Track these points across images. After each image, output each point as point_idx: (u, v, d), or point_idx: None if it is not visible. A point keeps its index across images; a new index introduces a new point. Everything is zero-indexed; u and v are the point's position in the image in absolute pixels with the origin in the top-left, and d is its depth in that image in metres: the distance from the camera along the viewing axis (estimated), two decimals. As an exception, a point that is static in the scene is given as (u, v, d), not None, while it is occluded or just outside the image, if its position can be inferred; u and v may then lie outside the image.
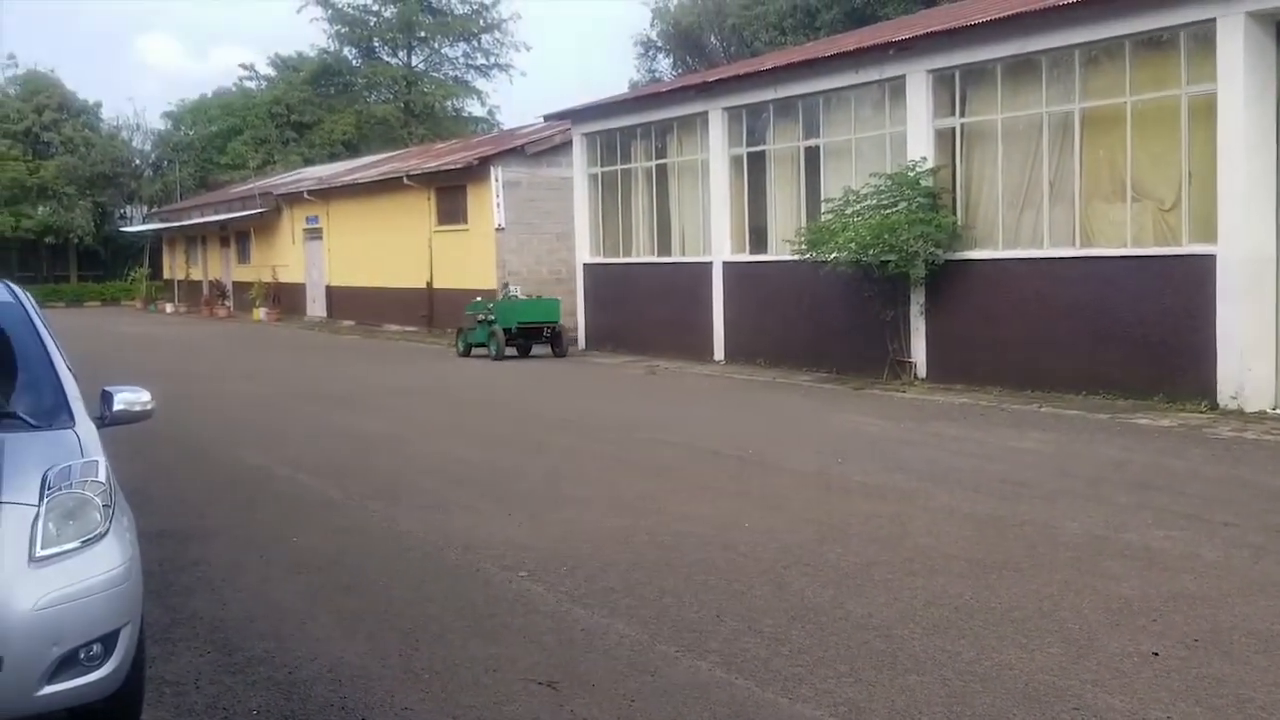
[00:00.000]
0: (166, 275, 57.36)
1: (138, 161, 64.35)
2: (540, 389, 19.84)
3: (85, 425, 5.38)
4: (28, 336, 5.87)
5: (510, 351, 25.14)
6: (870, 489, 10.39)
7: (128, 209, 64.40)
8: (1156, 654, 5.93)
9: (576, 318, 27.18)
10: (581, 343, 26.74)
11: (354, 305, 38.96)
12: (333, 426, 15.08)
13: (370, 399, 18.20)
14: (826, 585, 7.27)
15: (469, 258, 32.10)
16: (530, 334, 25.41)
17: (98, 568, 4.58)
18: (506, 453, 12.85)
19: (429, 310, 34.09)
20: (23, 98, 61.36)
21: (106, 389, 5.92)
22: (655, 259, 24.92)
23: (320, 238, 41.54)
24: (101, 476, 4.92)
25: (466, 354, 26.13)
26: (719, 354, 22.79)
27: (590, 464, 12.03)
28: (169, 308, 52.21)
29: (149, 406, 5.99)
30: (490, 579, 7.54)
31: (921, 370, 18.74)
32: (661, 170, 24.91)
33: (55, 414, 5.40)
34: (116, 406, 5.83)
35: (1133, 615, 6.59)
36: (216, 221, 49.05)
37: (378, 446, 13.41)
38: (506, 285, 28.16)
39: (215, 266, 51.45)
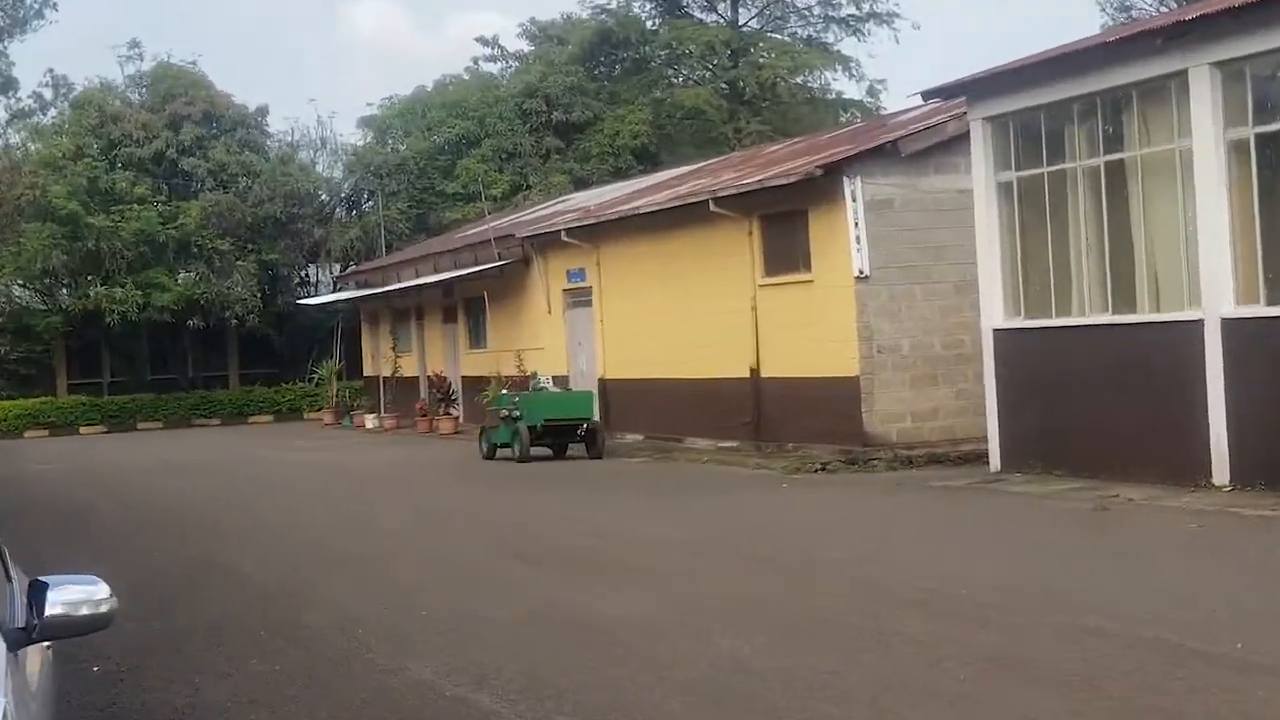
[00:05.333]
0: (368, 371, 58.88)
1: (324, 195, 66.43)
2: (898, 539, 19.84)
3: None
4: None
5: (544, 452, 34.20)
6: None
7: (310, 269, 66.49)
8: None
9: (986, 418, 26.62)
10: (995, 462, 26.18)
11: (639, 408, 38.99)
12: (560, 608, 15.22)
13: (637, 559, 18.51)
14: None
15: (814, 325, 31.81)
16: (560, 432, 35.01)
17: None
18: (819, 651, 12.62)
19: (755, 414, 34.15)
20: (151, 106, 62.42)
21: (40, 580, 5.88)
22: (1107, 318, 24.18)
23: (588, 303, 42.02)
24: None
25: (491, 456, 35.42)
26: (1219, 474, 21.87)
27: (954, 670, 11.66)
28: (369, 420, 53.00)
29: (103, 609, 5.94)
30: None
31: None
32: (1114, 170, 24.23)
33: None
34: (51, 610, 5.75)
35: None
36: (439, 283, 49.98)
37: (620, 643, 13.39)
38: (535, 375, 37.81)
39: (436, 354, 52.76)
